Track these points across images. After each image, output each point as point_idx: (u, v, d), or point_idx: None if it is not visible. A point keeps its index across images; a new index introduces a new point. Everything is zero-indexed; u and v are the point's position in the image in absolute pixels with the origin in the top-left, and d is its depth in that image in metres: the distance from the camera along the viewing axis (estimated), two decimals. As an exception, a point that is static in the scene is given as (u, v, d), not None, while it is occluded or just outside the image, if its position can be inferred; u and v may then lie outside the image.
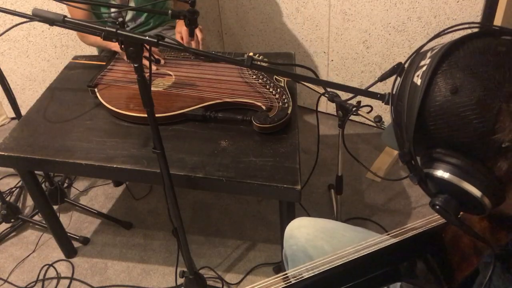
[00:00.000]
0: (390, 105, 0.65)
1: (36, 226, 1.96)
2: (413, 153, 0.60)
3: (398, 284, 0.90)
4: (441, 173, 0.58)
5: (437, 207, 0.59)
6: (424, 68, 0.59)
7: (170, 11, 1.26)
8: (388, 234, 0.82)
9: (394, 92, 0.65)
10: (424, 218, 0.79)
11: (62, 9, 2.09)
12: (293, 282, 0.74)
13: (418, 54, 0.63)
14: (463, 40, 0.58)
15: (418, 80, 0.59)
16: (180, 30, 1.68)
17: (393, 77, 1.16)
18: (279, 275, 0.82)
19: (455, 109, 0.55)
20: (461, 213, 0.61)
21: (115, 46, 1.66)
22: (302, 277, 0.74)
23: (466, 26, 0.63)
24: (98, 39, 1.72)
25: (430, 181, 0.60)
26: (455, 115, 0.55)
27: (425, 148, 0.60)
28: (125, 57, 1.64)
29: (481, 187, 0.56)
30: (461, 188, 0.56)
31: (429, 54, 0.60)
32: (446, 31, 0.63)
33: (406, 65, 0.65)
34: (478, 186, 0.56)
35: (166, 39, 0.99)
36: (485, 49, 0.56)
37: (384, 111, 2.23)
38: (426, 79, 0.57)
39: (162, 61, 1.67)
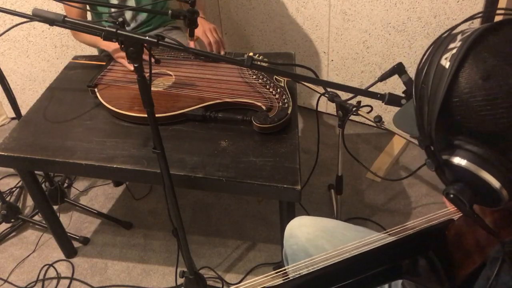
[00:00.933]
0: (413, 88, 0.62)
1: (36, 226, 1.96)
2: (433, 138, 0.58)
3: (400, 281, 0.90)
4: (460, 160, 0.56)
5: (451, 195, 0.58)
6: (454, 51, 0.56)
7: (170, 11, 1.26)
8: (387, 233, 0.82)
9: (417, 75, 0.62)
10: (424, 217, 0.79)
11: (62, 9, 2.09)
12: (293, 277, 0.74)
13: (447, 36, 0.60)
14: (498, 25, 0.56)
15: (446, 63, 0.56)
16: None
17: (393, 77, 1.15)
18: (277, 270, 0.82)
19: (484, 96, 0.53)
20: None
21: (105, 45, 1.66)
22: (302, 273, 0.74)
23: (502, 12, 0.61)
24: (88, 37, 1.74)
25: (447, 169, 0.58)
26: (483, 102, 0.53)
27: (446, 133, 0.58)
28: (114, 56, 1.66)
29: (500, 178, 0.54)
30: (480, 177, 0.55)
31: (459, 37, 0.57)
32: (480, 14, 0.60)
33: (430, 48, 0.61)
34: (498, 176, 0.54)
35: (166, 39, 1.00)
36: None
37: (384, 111, 2.23)
38: (455, 62, 0.55)
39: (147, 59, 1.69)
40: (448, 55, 0.57)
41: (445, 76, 0.56)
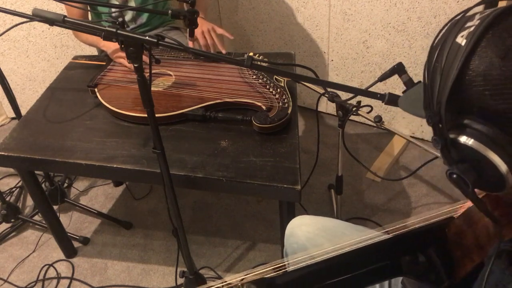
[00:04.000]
0: (425, 67, 0.60)
1: (36, 226, 1.96)
2: (443, 116, 0.57)
3: (400, 278, 0.90)
4: (467, 139, 0.55)
5: (454, 175, 0.57)
6: (471, 29, 0.55)
7: (170, 11, 1.26)
8: (386, 231, 0.82)
9: (430, 53, 0.60)
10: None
11: (62, 9, 2.09)
12: (292, 269, 0.74)
13: (463, 17, 0.59)
14: None
15: (462, 41, 0.55)
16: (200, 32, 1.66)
17: (393, 77, 1.15)
18: (276, 261, 0.81)
19: (500, 74, 0.52)
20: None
21: (104, 45, 1.66)
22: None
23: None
24: (90, 37, 1.74)
25: (453, 148, 0.57)
26: (499, 81, 0.52)
27: (455, 112, 0.57)
28: (112, 57, 1.66)
29: (508, 160, 0.53)
30: (486, 158, 0.54)
31: (477, 16, 0.57)
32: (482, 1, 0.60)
33: (445, 28, 0.60)
34: (505, 158, 0.53)
35: (166, 39, 1.00)
36: None
37: (384, 111, 2.24)
38: (473, 39, 0.54)
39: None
40: (465, 33, 0.56)
41: (461, 53, 0.55)
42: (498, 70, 0.53)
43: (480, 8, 0.62)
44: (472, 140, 0.55)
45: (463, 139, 0.55)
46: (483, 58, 0.54)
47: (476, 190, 0.58)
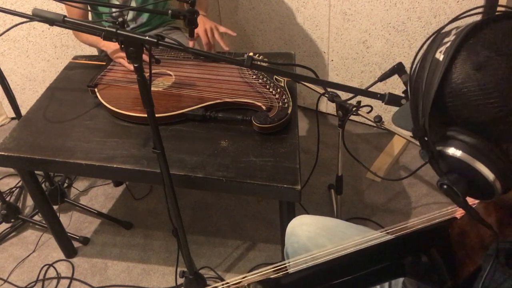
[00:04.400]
0: (408, 82, 0.63)
1: (36, 226, 1.96)
2: (427, 129, 0.59)
3: (401, 279, 0.90)
4: (454, 151, 0.57)
5: (445, 186, 0.58)
6: (448, 44, 0.58)
7: (170, 11, 1.26)
8: (387, 232, 0.82)
9: (413, 69, 0.63)
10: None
11: (62, 9, 2.09)
12: (293, 271, 0.74)
13: (439, 33, 0.61)
14: (491, 19, 0.58)
15: (440, 56, 0.58)
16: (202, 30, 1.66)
17: (393, 77, 1.15)
18: (277, 264, 0.81)
19: (476, 86, 0.54)
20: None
21: (104, 45, 1.66)
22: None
23: (487, 9, 0.63)
24: (89, 37, 1.74)
25: (441, 160, 0.59)
26: (476, 92, 0.54)
27: (440, 125, 0.59)
28: (113, 57, 1.66)
29: (494, 169, 0.55)
30: (474, 168, 0.55)
31: (453, 32, 0.59)
32: (466, 14, 0.62)
33: (426, 44, 0.63)
34: (491, 168, 0.55)
35: (166, 39, 1.00)
36: None
37: (384, 111, 2.24)
38: (450, 53, 0.56)
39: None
40: (442, 48, 0.58)
41: (439, 68, 0.57)
42: (474, 82, 0.55)
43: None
44: (459, 151, 0.56)
45: (450, 150, 0.57)
46: (460, 71, 0.56)
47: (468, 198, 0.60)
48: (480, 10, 0.62)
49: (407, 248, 0.75)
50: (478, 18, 0.60)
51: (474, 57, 0.55)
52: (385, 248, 0.74)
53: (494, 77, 0.53)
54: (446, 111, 0.57)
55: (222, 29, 1.66)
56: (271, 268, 0.79)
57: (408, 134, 2.35)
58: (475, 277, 0.66)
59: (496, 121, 0.54)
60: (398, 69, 1.18)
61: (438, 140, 0.59)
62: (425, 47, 0.63)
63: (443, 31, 0.62)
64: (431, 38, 0.62)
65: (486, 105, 0.54)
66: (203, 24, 1.63)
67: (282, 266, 0.79)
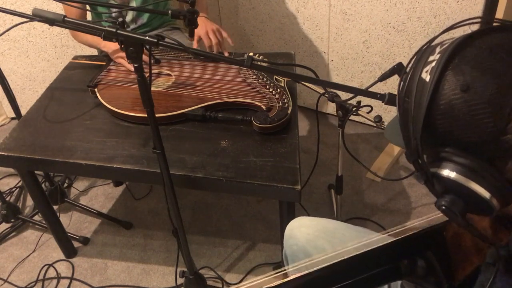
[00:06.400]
0: (397, 101, 0.62)
1: (36, 226, 1.96)
2: (420, 152, 0.58)
3: (399, 282, 0.90)
4: (449, 172, 0.56)
5: (443, 207, 0.58)
6: (433, 64, 0.56)
7: (170, 11, 1.26)
8: (387, 233, 0.82)
9: (400, 89, 0.62)
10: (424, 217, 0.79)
11: (62, 9, 2.09)
12: (291, 277, 0.74)
13: (426, 48, 0.60)
14: (474, 35, 0.56)
15: (426, 76, 0.56)
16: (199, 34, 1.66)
17: (393, 77, 1.16)
18: (277, 271, 0.82)
19: (465, 107, 0.53)
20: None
21: (104, 46, 1.66)
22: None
23: (477, 21, 0.60)
24: (89, 38, 1.73)
25: (436, 181, 0.59)
26: (465, 113, 0.53)
27: (432, 146, 0.58)
28: (113, 57, 1.66)
29: (489, 188, 0.54)
30: (469, 188, 0.55)
31: (438, 49, 0.58)
32: (457, 25, 0.60)
33: (412, 60, 0.62)
34: (487, 186, 0.54)
35: (166, 39, 0.99)
36: (498, 46, 0.54)
37: (384, 111, 2.23)
38: (435, 75, 0.55)
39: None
40: (428, 68, 0.57)
41: (426, 89, 0.56)
42: (463, 104, 0.54)
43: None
44: (453, 173, 0.56)
45: (444, 172, 0.57)
46: (447, 93, 0.55)
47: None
48: (476, 20, 0.60)
49: (404, 251, 0.75)
50: (472, 26, 0.59)
51: (461, 77, 0.54)
52: (382, 252, 0.74)
53: (482, 97, 0.52)
54: (437, 133, 0.57)
55: (225, 34, 1.66)
56: (272, 274, 0.79)
57: (400, 147, 2.35)
58: (471, 280, 0.66)
59: (488, 141, 0.53)
60: (398, 69, 1.18)
61: (431, 161, 0.59)
62: (411, 64, 0.61)
63: (426, 47, 0.60)
64: (423, 48, 0.61)
65: (476, 125, 0.53)
66: (205, 26, 1.63)
67: (282, 272, 0.80)
